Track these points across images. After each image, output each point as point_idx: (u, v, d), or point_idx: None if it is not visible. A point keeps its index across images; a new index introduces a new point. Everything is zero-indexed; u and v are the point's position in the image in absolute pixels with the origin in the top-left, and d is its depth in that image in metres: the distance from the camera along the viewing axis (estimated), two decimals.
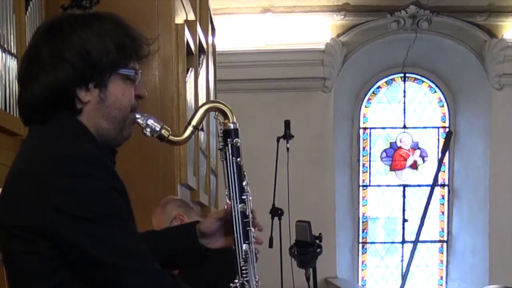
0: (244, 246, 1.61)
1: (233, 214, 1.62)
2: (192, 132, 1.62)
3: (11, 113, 2.63)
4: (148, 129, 1.54)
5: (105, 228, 1.33)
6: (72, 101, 1.43)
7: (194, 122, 1.61)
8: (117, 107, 1.45)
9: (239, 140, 1.63)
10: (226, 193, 1.63)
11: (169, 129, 1.58)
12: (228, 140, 1.63)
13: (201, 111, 1.63)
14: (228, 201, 1.64)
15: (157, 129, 1.55)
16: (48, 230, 1.32)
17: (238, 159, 1.63)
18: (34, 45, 1.45)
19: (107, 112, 1.45)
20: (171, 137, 1.58)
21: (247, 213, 1.63)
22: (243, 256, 1.62)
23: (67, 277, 1.35)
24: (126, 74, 1.46)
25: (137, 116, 1.51)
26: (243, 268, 1.62)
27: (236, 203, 1.62)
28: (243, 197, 1.62)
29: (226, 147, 1.63)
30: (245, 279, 1.62)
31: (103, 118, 1.45)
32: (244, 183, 1.63)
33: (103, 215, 1.33)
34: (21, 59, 1.49)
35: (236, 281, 1.62)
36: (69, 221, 1.31)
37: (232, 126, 1.63)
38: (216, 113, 1.65)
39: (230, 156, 1.62)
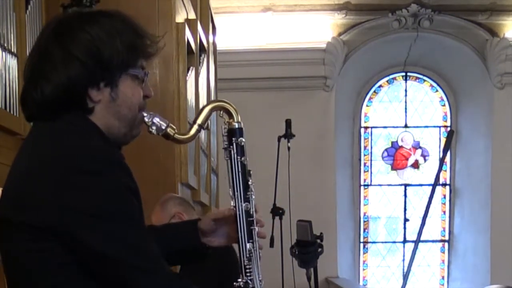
0: (248, 245, 1.61)
1: (238, 213, 1.62)
2: (198, 131, 1.62)
3: (11, 112, 2.62)
4: (154, 127, 1.54)
5: (118, 227, 1.33)
6: (84, 100, 1.42)
7: (199, 121, 1.62)
8: (127, 106, 1.46)
9: (243, 140, 1.63)
10: (230, 192, 1.63)
11: (175, 128, 1.58)
12: (233, 139, 1.62)
13: (206, 110, 1.63)
14: (232, 200, 1.63)
15: (163, 127, 1.55)
16: (60, 228, 1.31)
17: (243, 158, 1.63)
18: (44, 43, 1.44)
19: (117, 110, 1.45)
20: (176, 136, 1.58)
21: (251, 212, 1.62)
22: (247, 255, 1.61)
23: (73, 273, 1.35)
24: (136, 74, 1.46)
25: (144, 114, 1.51)
26: (247, 267, 1.62)
27: (241, 202, 1.62)
28: (247, 196, 1.62)
29: (231, 146, 1.62)
30: (249, 278, 1.62)
31: (114, 117, 1.45)
32: (248, 182, 1.63)
33: (116, 214, 1.33)
34: (28, 57, 1.48)
35: (240, 280, 1.62)
36: (82, 219, 1.31)
37: (236, 125, 1.63)
38: (221, 112, 1.65)
39: (235, 155, 1.62)
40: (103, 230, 1.32)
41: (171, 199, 3.15)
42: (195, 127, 1.61)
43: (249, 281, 1.61)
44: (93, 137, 1.41)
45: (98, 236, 1.31)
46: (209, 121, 1.66)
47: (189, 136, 1.62)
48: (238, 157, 1.62)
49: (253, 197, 1.64)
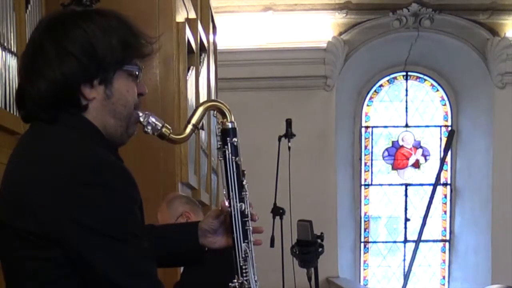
0: (244, 245, 1.61)
1: (233, 213, 1.62)
2: (192, 131, 1.61)
3: (11, 111, 2.62)
4: (149, 127, 1.53)
5: (121, 247, 1.31)
6: (77, 97, 1.40)
7: (193, 121, 1.61)
8: (122, 103, 1.44)
9: (236, 139, 1.63)
10: (225, 192, 1.63)
11: (170, 128, 1.57)
12: (228, 139, 1.62)
13: (200, 110, 1.63)
14: (225, 200, 1.64)
15: (158, 127, 1.54)
16: (62, 240, 1.29)
17: (237, 158, 1.62)
18: (37, 40, 1.42)
19: (113, 108, 1.43)
20: (171, 136, 1.58)
21: (246, 212, 1.62)
22: (243, 255, 1.62)
23: (75, 285, 1.33)
24: (130, 71, 1.45)
25: (139, 114, 1.50)
26: (243, 267, 1.62)
27: (236, 202, 1.62)
28: (242, 196, 1.62)
29: (226, 146, 1.62)
30: (244, 278, 1.62)
31: (109, 115, 1.43)
32: (243, 182, 1.63)
33: (121, 233, 1.31)
34: (23, 54, 1.46)
35: (235, 280, 1.63)
36: (85, 234, 1.28)
37: (230, 125, 1.63)
38: (215, 112, 1.65)
39: (230, 155, 1.62)
40: (105, 249, 1.29)
41: (177, 198, 3.13)
42: (190, 127, 1.61)
43: (245, 282, 1.62)
44: (94, 141, 1.39)
45: (99, 254, 1.29)
46: (206, 121, 1.66)
47: (184, 136, 1.61)
48: (233, 157, 1.62)
49: (248, 197, 1.63)
